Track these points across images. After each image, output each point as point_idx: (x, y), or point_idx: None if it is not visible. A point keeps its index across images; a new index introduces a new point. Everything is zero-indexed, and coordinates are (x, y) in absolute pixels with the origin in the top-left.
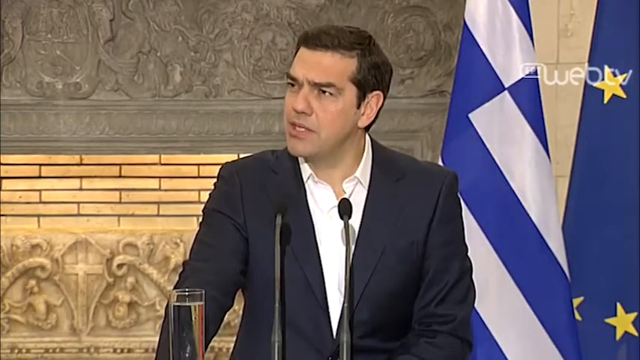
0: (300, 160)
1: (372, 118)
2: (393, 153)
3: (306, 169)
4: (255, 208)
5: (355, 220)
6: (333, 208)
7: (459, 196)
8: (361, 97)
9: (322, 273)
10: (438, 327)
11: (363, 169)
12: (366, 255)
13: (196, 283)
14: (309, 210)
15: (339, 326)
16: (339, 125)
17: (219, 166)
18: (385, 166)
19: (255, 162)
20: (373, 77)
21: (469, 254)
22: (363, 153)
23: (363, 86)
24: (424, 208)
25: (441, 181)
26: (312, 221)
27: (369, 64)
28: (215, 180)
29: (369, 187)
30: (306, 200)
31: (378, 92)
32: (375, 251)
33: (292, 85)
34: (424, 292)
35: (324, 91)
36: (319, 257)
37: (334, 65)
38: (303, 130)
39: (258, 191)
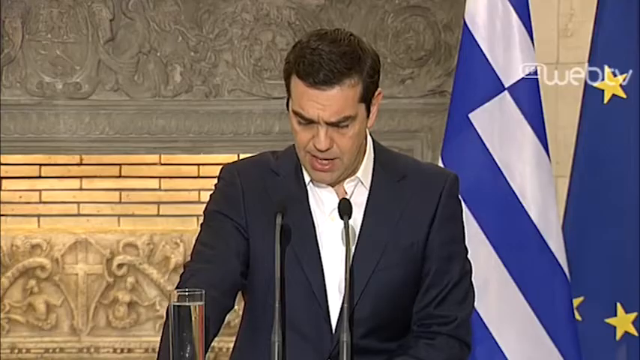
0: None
1: (376, 113)
2: (394, 154)
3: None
4: (257, 210)
5: (356, 220)
6: (335, 209)
7: (460, 197)
8: (368, 107)
9: (323, 274)
10: (438, 328)
11: (365, 170)
12: (367, 255)
13: (197, 285)
14: (310, 211)
15: (338, 327)
16: (358, 143)
17: (220, 167)
18: (387, 167)
19: (255, 163)
20: (374, 82)
21: (469, 255)
22: (364, 153)
23: (369, 98)
24: (425, 208)
25: (442, 182)
26: (313, 222)
27: (368, 75)
28: (215, 181)
29: (371, 187)
30: (308, 202)
31: (378, 90)
32: (375, 251)
33: (302, 118)
34: (424, 293)
35: (341, 124)
36: (320, 258)
37: (345, 99)
38: (328, 162)
39: (260, 192)
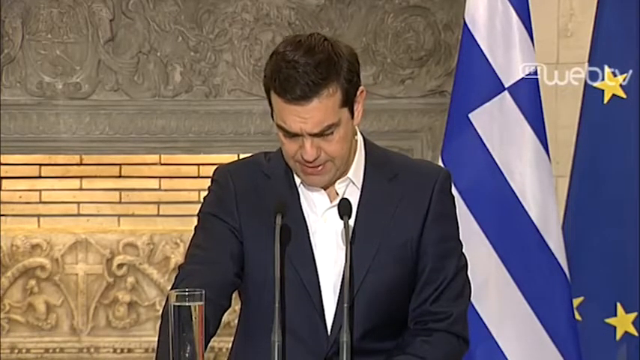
0: None
1: (362, 110)
2: (385, 152)
3: None
4: (250, 212)
5: (349, 221)
6: (327, 211)
7: (453, 193)
8: (351, 108)
9: (317, 275)
10: (434, 325)
11: (356, 169)
12: (361, 254)
13: (192, 286)
14: (302, 213)
15: (333, 327)
16: (347, 146)
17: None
18: (378, 166)
19: (248, 165)
20: (353, 84)
21: (466, 252)
22: (355, 153)
23: (351, 100)
24: (418, 206)
25: (434, 179)
26: (306, 224)
27: (346, 80)
28: (209, 183)
29: (362, 186)
30: (300, 204)
31: (360, 88)
32: (369, 250)
33: (286, 132)
34: (420, 291)
35: (325, 133)
36: (314, 259)
37: (325, 109)
38: (319, 167)
39: (252, 195)
